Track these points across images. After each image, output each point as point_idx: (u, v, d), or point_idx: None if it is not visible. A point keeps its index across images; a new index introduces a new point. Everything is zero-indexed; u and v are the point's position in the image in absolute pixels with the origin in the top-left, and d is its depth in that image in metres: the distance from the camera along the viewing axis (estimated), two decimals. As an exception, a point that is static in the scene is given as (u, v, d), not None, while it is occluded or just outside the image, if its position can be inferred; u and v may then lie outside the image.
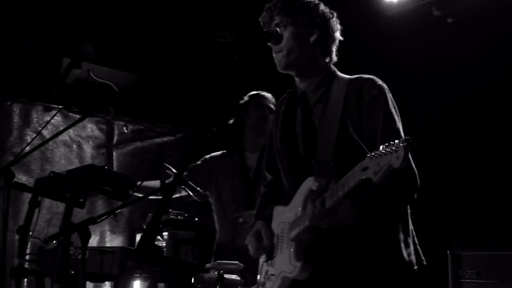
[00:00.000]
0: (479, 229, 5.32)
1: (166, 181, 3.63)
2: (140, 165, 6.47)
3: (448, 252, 4.50)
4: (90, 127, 6.30)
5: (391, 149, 1.87)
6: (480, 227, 5.33)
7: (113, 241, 6.17)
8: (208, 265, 3.49)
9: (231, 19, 5.52)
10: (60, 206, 5.25)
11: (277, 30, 2.53)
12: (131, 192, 3.49)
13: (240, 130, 4.12)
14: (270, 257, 2.70)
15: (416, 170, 2.46)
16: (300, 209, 2.48)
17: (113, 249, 3.26)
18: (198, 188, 3.63)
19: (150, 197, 3.87)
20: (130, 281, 3.44)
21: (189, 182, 3.59)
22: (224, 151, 4.17)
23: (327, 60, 2.67)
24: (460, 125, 5.62)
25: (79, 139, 6.20)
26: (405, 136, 2.32)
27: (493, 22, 5.35)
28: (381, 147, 1.91)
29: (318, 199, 2.25)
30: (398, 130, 2.46)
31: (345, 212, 2.24)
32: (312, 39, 2.59)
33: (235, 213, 3.89)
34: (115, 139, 6.46)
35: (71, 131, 6.01)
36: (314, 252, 2.47)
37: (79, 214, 5.40)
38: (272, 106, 4.06)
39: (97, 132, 6.35)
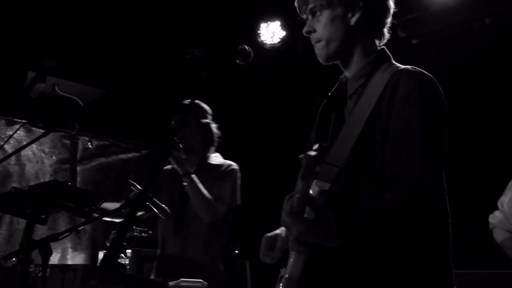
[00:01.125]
0: (473, 248, 5.37)
1: (131, 198, 3.59)
2: (104, 181, 6.40)
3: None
4: (54, 142, 6.21)
5: None
6: (474, 245, 5.37)
7: (75, 258, 6.08)
8: (171, 284, 3.46)
9: (198, 36, 5.54)
10: (21, 223, 5.21)
11: (245, 47, 2.48)
12: (94, 209, 3.44)
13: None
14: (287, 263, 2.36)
15: (434, 192, 1.95)
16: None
17: (75, 267, 3.20)
18: (163, 205, 3.59)
19: (110, 219, 3.84)
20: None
21: (154, 199, 3.55)
22: (169, 166, 4.12)
23: (378, 42, 2.24)
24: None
25: (42, 154, 6.11)
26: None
27: (458, 43, 5.47)
28: None
29: (292, 197, 1.79)
30: (417, 148, 1.91)
31: (323, 226, 1.74)
32: (353, 20, 2.14)
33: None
34: (79, 154, 6.39)
35: (34, 146, 5.93)
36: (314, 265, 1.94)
37: (40, 231, 5.34)
38: (188, 117, 3.93)
39: (60, 147, 6.27)
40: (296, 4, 2.24)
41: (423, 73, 2.06)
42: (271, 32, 6.25)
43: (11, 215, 4.29)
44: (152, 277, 3.82)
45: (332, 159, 1.95)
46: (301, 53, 6.20)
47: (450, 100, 5.45)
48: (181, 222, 3.89)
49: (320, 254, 1.89)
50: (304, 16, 2.23)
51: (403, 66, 2.12)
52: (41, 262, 2.75)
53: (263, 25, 6.29)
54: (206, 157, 4.02)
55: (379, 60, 2.16)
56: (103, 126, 6.53)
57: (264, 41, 6.24)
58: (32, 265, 3.09)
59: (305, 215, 1.75)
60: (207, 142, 4.03)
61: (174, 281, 3.28)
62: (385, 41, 2.25)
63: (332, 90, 2.32)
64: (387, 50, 2.23)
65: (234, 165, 4.04)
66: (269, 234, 2.40)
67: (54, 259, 5.67)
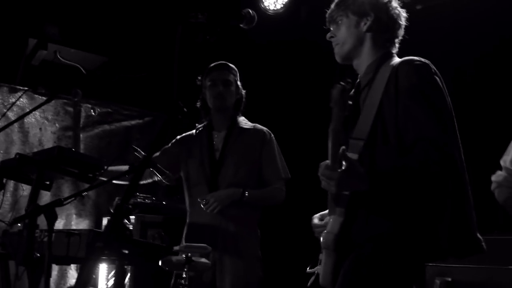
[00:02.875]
0: None
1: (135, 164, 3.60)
2: (107, 148, 6.41)
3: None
4: (57, 109, 6.21)
5: None
6: None
7: (79, 224, 6.12)
8: (176, 248, 3.49)
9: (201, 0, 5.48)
10: (26, 189, 5.23)
11: (249, 11, 2.49)
12: (98, 175, 3.45)
13: (207, 109, 4.08)
14: None
15: (448, 153, 2.29)
16: None
17: (80, 232, 3.23)
18: (167, 171, 3.60)
19: (118, 181, 3.84)
20: (97, 264, 3.41)
21: (158, 165, 3.56)
22: (194, 131, 4.14)
23: (388, 45, 2.67)
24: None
25: (45, 121, 6.11)
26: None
27: (463, 10, 5.40)
28: None
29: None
30: (422, 122, 2.32)
31: (353, 172, 2.16)
32: (365, 27, 2.61)
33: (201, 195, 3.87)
34: (82, 121, 6.39)
35: (37, 113, 5.93)
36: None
37: (44, 198, 5.38)
38: (228, 76, 4.01)
39: (63, 115, 6.27)
40: (327, 18, 2.71)
41: (416, 61, 2.51)
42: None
43: (16, 181, 4.33)
44: (183, 243, 3.81)
45: (357, 135, 2.41)
46: (304, 20, 6.15)
47: (453, 72, 5.42)
48: (216, 189, 3.88)
49: (350, 224, 2.37)
50: (331, 27, 2.71)
51: (402, 59, 2.55)
52: (46, 227, 2.78)
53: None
54: (236, 120, 4.03)
55: (383, 58, 2.60)
56: (106, 93, 6.51)
57: (267, 7, 6.18)
58: (37, 230, 3.13)
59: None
60: (237, 106, 4.05)
61: (178, 246, 3.31)
62: (396, 49, 2.70)
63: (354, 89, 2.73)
64: (392, 51, 2.67)
65: (268, 131, 4.06)
66: (315, 215, 2.73)
67: (59, 225, 5.71)
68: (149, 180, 3.91)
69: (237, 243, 3.83)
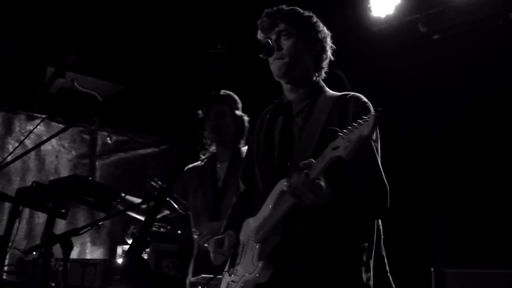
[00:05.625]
0: (463, 247, 5.33)
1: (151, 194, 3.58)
2: (123, 176, 6.42)
3: (432, 269, 4.48)
4: (73, 137, 6.23)
5: (363, 121, 1.91)
6: (463, 244, 5.34)
7: (94, 253, 6.10)
8: (192, 279, 3.45)
9: (221, 31, 5.51)
10: (41, 217, 5.23)
11: (269, 42, 2.50)
12: (114, 204, 3.44)
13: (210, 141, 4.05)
14: (232, 264, 2.64)
15: (388, 188, 2.43)
16: (270, 207, 2.45)
17: (95, 262, 3.21)
18: (183, 201, 3.58)
19: (132, 213, 3.82)
20: (112, 295, 3.39)
21: (174, 195, 3.54)
22: (200, 162, 4.11)
23: (317, 74, 2.71)
24: (444, 142, 5.65)
25: (62, 148, 6.13)
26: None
27: (479, 39, 5.39)
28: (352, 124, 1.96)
29: (302, 172, 2.19)
30: (367, 155, 2.44)
31: (325, 186, 2.20)
32: (312, 52, 2.65)
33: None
34: (98, 149, 6.41)
35: (53, 140, 5.95)
36: (278, 256, 2.43)
37: (59, 225, 5.37)
38: (222, 108, 3.93)
39: (80, 142, 6.29)
40: (260, 24, 2.62)
41: (364, 98, 2.57)
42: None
43: (32, 209, 4.31)
44: (190, 277, 3.76)
45: (297, 162, 2.31)
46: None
47: (470, 101, 5.43)
48: (218, 219, 3.84)
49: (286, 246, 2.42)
50: (267, 35, 2.61)
51: (339, 93, 2.63)
52: (61, 256, 2.76)
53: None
54: (238, 150, 3.99)
55: (320, 88, 2.68)
56: (122, 121, 6.53)
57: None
58: (52, 259, 3.11)
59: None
60: (239, 135, 4.01)
61: (195, 277, 3.27)
62: (322, 77, 2.74)
63: (274, 109, 2.75)
64: (322, 81, 2.73)
65: None
66: (216, 237, 2.74)
67: (73, 253, 5.63)
68: (164, 213, 3.89)
69: None
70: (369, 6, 5.70)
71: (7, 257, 3.78)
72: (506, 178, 5.18)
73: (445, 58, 5.62)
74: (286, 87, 2.71)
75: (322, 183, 2.18)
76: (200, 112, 3.95)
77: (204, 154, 4.12)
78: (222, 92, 3.83)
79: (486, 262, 5.05)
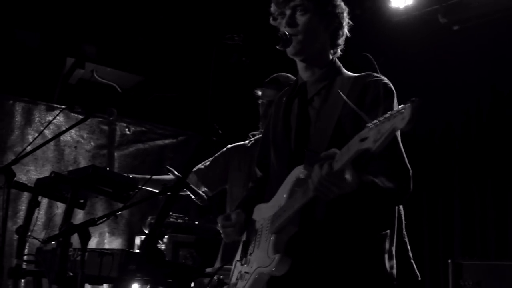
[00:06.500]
0: (481, 239, 5.31)
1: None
2: (141, 167, 6.44)
3: (449, 261, 4.47)
4: (92, 128, 6.27)
5: (396, 112, 1.72)
6: (481, 236, 5.31)
7: (112, 243, 6.14)
8: (209, 270, 3.46)
9: (238, 22, 5.50)
10: (60, 207, 5.28)
11: (285, 33, 2.45)
12: (132, 194, 3.45)
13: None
14: (245, 254, 2.55)
15: (411, 172, 2.33)
16: (285, 196, 2.34)
17: (112, 252, 3.22)
18: (200, 192, 3.57)
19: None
20: (130, 285, 3.40)
21: (191, 186, 3.54)
22: (247, 142, 4.01)
23: (333, 52, 2.62)
24: (463, 135, 5.60)
25: (81, 139, 6.17)
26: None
27: (499, 31, 5.33)
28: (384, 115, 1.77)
29: (325, 163, 2.01)
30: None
31: (350, 177, 2.01)
32: (328, 29, 2.55)
33: None
34: (116, 140, 6.44)
35: (72, 131, 6.00)
36: (295, 247, 2.32)
37: (77, 216, 5.42)
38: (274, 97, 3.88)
39: (98, 133, 6.33)
40: None
41: (387, 81, 2.48)
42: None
43: (50, 199, 4.35)
44: (217, 264, 3.75)
45: (314, 147, 2.33)
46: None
47: (489, 88, 5.38)
48: None
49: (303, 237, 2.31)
50: (281, 9, 2.51)
51: (360, 74, 2.52)
52: (79, 245, 2.78)
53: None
54: None
55: (337, 69, 2.57)
56: (141, 112, 6.56)
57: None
58: (71, 249, 3.14)
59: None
60: None
61: (211, 268, 3.28)
62: (338, 55, 2.63)
63: (291, 91, 2.65)
64: (338, 61, 2.62)
65: None
66: (223, 215, 2.65)
67: (92, 243, 5.73)
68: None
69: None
70: (388, -4, 5.67)
71: (27, 246, 3.82)
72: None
73: (465, 49, 5.56)
74: (301, 65, 2.61)
75: (347, 176, 2.00)
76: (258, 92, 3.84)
77: (254, 135, 4.03)
78: (267, 84, 3.76)
79: (504, 254, 5.01)
